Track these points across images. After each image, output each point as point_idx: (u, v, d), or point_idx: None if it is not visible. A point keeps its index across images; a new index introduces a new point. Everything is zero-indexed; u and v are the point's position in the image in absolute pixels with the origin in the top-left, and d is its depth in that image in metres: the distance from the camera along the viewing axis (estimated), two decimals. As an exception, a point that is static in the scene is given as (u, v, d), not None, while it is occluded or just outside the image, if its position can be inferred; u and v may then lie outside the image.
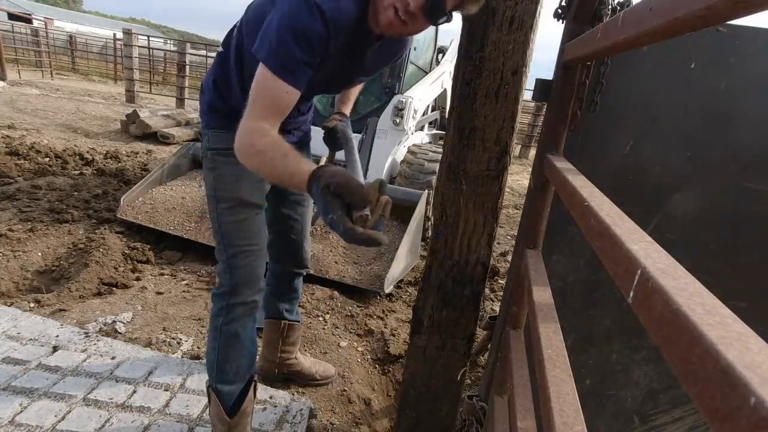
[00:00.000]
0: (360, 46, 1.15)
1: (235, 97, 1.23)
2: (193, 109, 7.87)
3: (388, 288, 2.66)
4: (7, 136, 5.02)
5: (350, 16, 1.01)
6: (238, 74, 1.21)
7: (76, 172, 4.20)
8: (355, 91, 1.58)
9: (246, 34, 1.16)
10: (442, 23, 1.03)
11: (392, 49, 1.29)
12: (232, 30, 1.24)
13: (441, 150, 2.98)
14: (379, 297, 2.68)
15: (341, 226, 0.88)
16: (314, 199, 0.93)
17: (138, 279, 2.57)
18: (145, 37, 11.40)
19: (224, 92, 1.25)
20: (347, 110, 1.57)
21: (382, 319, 2.48)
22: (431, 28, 1.47)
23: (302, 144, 1.51)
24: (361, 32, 1.10)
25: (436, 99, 4.78)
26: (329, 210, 0.89)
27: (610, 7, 1.05)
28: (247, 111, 1.00)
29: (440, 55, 4.94)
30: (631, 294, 0.39)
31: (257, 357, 1.46)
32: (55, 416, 1.47)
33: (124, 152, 5.18)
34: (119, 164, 4.70)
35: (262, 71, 0.99)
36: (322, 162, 1.89)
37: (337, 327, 2.32)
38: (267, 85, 0.99)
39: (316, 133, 1.51)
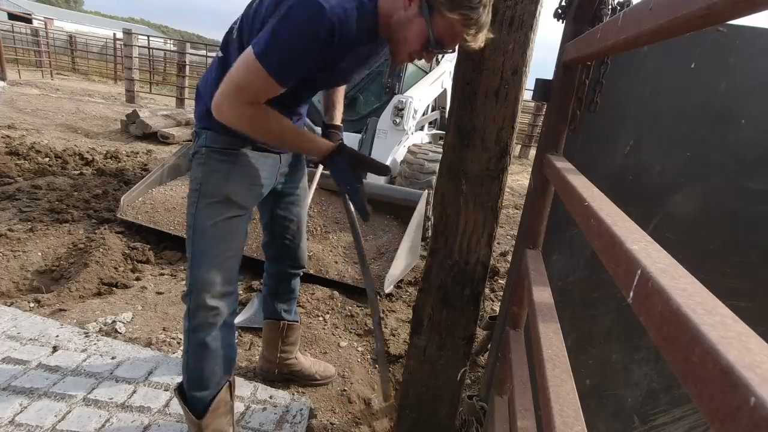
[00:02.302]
0: (367, 47, 1.16)
1: None
2: (192, 109, 7.85)
3: (388, 288, 2.66)
4: (7, 136, 5.02)
5: (355, 25, 1.03)
6: None
7: (76, 172, 4.20)
8: (341, 93, 1.58)
9: (248, 39, 1.14)
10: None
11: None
12: (230, 33, 1.22)
13: (441, 150, 2.98)
14: (379, 297, 2.68)
15: (361, 194, 1.27)
16: (337, 166, 1.25)
17: (138, 279, 2.57)
18: (145, 37, 11.40)
19: None
20: (338, 118, 1.57)
21: (382, 319, 2.49)
22: None
23: None
24: (372, 37, 1.12)
25: (436, 99, 4.77)
26: (355, 179, 1.26)
27: (610, 7, 1.05)
28: (233, 93, 1.05)
29: (440, 55, 4.93)
30: (631, 294, 0.39)
31: (236, 360, 1.41)
32: (55, 416, 1.47)
33: (124, 152, 5.18)
34: (119, 164, 4.70)
35: (254, 64, 1.00)
36: (318, 173, 1.90)
37: (337, 327, 2.32)
38: (256, 78, 1.02)
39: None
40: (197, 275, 1.24)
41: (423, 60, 1.15)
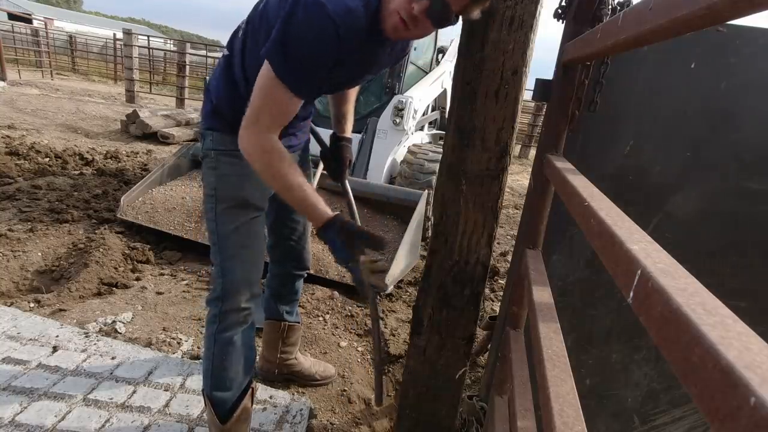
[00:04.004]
0: (373, 49, 1.13)
1: (242, 101, 1.20)
2: (193, 109, 7.86)
3: (388, 288, 2.66)
4: (7, 136, 5.02)
5: (362, 24, 0.99)
6: (244, 79, 1.18)
7: (76, 172, 4.20)
8: (351, 103, 1.55)
9: (253, 40, 1.13)
10: (446, 26, 1.03)
11: (398, 47, 1.25)
12: (236, 32, 1.20)
13: (441, 150, 2.98)
14: (379, 297, 2.68)
15: (360, 266, 1.09)
16: (331, 237, 1.08)
17: (138, 279, 2.57)
18: (145, 37, 11.41)
19: (231, 97, 1.21)
20: (349, 130, 1.54)
21: (382, 319, 2.48)
22: None
23: (305, 147, 1.51)
24: (374, 36, 1.07)
25: (436, 99, 4.77)
26: (352, 253, 1.08)
27: (610, 7, 1.05)
28: (254, 119, 1.02)
29: (440, 55, 4.94)
30: (631, 294, 0.39)
31: (256, 360, 1.43)
32: (55, 416, 1.47)
33: (124, 152, 5.18)
34: (119, 164, 4.70)
35: (270, 82, 0.99)
36: (318, 173, 1.89)
37: (337, 327, 2.32)
38: (275, 94, 1.00)
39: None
40: (231, 279, 1.25)
41: (422, 34, 1.03)
